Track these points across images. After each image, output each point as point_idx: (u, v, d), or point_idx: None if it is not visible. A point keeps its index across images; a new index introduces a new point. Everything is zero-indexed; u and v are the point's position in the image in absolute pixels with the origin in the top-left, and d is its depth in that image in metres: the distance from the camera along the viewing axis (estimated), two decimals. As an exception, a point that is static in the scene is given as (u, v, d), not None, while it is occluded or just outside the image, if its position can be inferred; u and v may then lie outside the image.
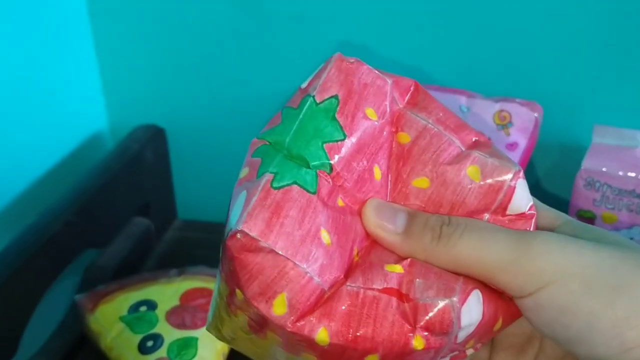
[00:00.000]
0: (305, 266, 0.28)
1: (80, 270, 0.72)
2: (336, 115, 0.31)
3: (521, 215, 0.32)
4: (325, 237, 0.29)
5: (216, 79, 0.82)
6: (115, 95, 0.86)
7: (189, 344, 0.59)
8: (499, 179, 0.32)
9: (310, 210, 0.29)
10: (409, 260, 0.31)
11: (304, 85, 0.33)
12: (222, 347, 0.61)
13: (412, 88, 0.34)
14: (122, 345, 0.60)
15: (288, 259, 0.28)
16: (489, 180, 0.32)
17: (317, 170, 0.30)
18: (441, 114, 0.33)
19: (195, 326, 0.61)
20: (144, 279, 0.66)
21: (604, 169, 0.68)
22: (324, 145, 0.31)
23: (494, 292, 0.31)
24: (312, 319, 0.28)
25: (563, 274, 0.29)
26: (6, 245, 0.61)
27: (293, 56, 0.79)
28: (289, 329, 0.28)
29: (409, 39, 0.75)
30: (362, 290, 0.29)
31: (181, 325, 0.61)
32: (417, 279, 0.29)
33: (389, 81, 0.33)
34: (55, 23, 0.76)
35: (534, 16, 0.71)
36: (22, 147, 0.72)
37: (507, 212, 0.32)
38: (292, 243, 0.28)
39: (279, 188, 0.29)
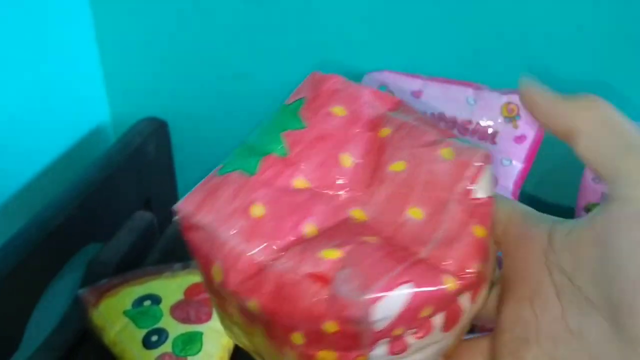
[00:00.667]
0: (229, 235, 0.30)
1: (83, 265, 0.71)
2: (300, 111, 0.34)
3: (482, 202, 0.32)
4: (256, 211, 0.31)
5: (219, 72, 0.81)
6: (117, 88, 0.85)
7: (193, 339, 0.59)
8: (470, 158, 0.32)
9: (245, 189, 0.31)
10: (352, 246, 0.30)
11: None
12: (227, 342, 0.61)
13: (398, 102, 0.35)
14: (126, 340, 0.59)
15: (215, 230, 0.30)
16: (461, 158, 0.32)
17: (266, 155, 0.32)
18: (422, 117, 0.34)
19: (199, 321, 0.60)
20: (147, 273, 0.65)
21: (613, 162, 0.67)
22: (281, 133, 0.33)
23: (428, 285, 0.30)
24: (246, 286, 0.30)
25: None
26: (8, 239, 0.60)
27: (297, 49, 0.78)
28: (229, 290, 0.30)
29: (416, 30, 0.74)
30: (287, 273, 0.30)
31: (186, 320, 0.60)
32: (345, 269, 0.29)
33: (367, 91, 0.34)
34: (57, 16, 0.75)
35: (541, 7, 0.71)
36: (25, 140, 0.72)
37: (471, 196, 0.32)
38: (220, 217, 0.30)
39: (222, 174, 0.32)
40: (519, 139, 0.68)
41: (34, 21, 0.71)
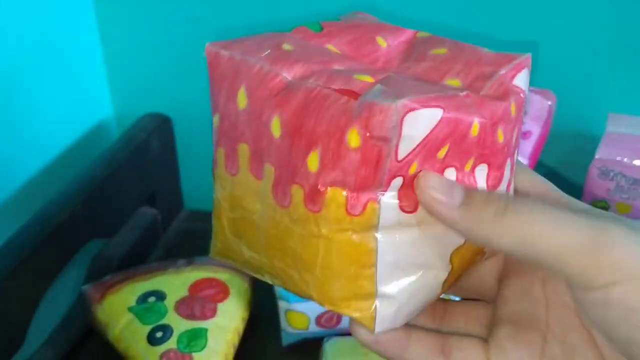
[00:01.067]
0: (258, 58, 0.30)
1: (87, 261, 0.71)
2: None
3: (519, 91, 0.32)
4: (287, 47, 0.31)
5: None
6: (120, 84, 0.85)
7: (198, 335, 0.59)
8: (513, 55, 0.33)
9: (276, 36, 0.32)
10: (385, 74, 0.30)
11: None
12: (232, 338, 0.60)
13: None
14: (131, 336, 0.59)
15: (244, 57, 0.31)
16: (503, 53, 0.33)
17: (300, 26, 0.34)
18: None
19: (204, 317, 0.60)
20: (152, 269, 0.65)
21: (618, 158, 0.67)
22: (320, 22, 0.35)
23: (462, 110, 0.29)
24: (272, 102, 0.30)
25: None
26: (12, 235, 0.60)
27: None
28: (254, 110, 0.30)
29: (418, 26, 0.74)
30: (319, 88, 0.29)
31: (190, 316, 0.60)
32: (379, 85, 0.29)
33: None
34: (60, 12, 0.75)
35: (548, 3, 0.70)
36: (28, 136, 0.72)
37: (511, 81, 0.32)
38: (249, 49, 0.31)
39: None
40: (525, 134, 0.68)
41: (37, 18, 0.71)
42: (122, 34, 0.82)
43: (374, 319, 0.30)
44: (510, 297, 0.32)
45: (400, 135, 0.27)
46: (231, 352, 0.60)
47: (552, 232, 0.27)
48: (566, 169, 0.77)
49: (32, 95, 0.72)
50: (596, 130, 0.71)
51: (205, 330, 0.59)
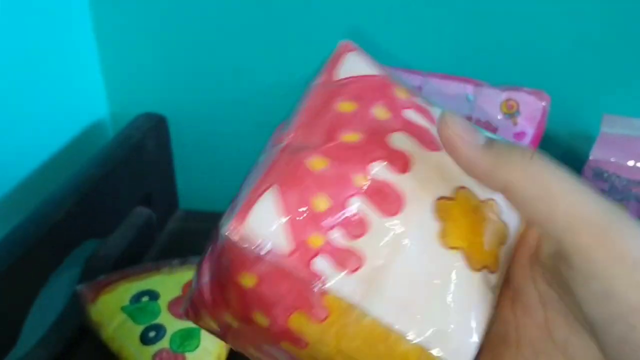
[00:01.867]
0: None
1: (81, 261, 0.71)
2: None
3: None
4: None
5: (218, 67, 0.81)
6: (115, 84, 0.85)
7: (191, 335, 0.59)
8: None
9: None
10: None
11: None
12: (225, 338, 0.60)
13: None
14: (124, 336, 0.59)
15: None
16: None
17: None
18: None
19: (198, 317, 0.60)
20: (146, 269, 0.65)
21: (612, 159, 0.67)
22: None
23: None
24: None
25: None
26: (6, 234, 0.60)
27: (297, 45, 0.78)
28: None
29: (415, 28, 0.74)
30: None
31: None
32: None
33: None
34: (55, 11, 0.75)
35: (542, 3, 0.70)
36: (22, 135, 0.72)
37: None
38: None
39: None
40: (519, 135, 0.68)
41: (32, 16, 0.71)
42: (117, 33, 0.82)
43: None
44: None
45: (254, 237, 0.28)
46: (224, 352, 0.60)
47: (573, 194, 0.26)
48: (560, 169, 0.77)
49: (27, 95, 0.72)
50: (590, 131, 0.71)
51: (198, 330, 0.59)
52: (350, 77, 0.32)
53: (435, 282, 0.29)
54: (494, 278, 0.30)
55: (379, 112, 0.31)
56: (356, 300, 0.28)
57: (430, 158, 0.31)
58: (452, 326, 0.29)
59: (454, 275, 0.29)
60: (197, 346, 0.58)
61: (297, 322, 0.28)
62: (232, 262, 0.28)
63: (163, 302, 0.61)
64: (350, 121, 0.31)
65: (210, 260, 0.30)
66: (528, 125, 0.68)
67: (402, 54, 0.75)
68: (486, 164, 0.27)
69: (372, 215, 0.29)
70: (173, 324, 0.59)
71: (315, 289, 0.28)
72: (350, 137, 0.30)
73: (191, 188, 0.87)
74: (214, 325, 0.32)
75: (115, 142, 0.75)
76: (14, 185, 0.71)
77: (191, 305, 0.33)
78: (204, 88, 0.83)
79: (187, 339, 0.58)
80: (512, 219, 0.32)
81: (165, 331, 0.59)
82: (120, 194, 0.74)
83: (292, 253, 0.28)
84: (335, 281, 0.28)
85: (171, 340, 0.58)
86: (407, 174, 0.30)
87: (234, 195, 0.31)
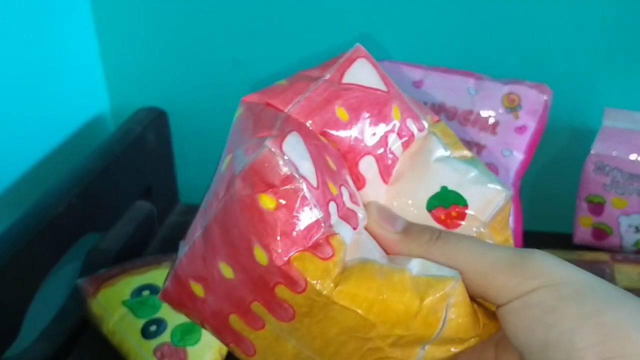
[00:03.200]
0: None
1: (82, 254, 0.71)
2: None
3: None
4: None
5: (218, 61, 0.81)
6: (116, 78, 0.85)
7: (192, 329, 0.59)
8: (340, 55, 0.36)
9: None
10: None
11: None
12: (226, 332, 0.60)
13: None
14: (125, 329, 0.59)
15: None
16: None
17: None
18: None
19: (199, 311, 0.60)
20: (146, 263, 0.65)
21: (614, 153, 0.67)
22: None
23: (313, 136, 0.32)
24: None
25: (557, 280, 0.29)
26: (7, 228, 0.60)
27: (296, 37, 0.77)
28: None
29: (416, 22, 0.74)
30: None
31: (185, 310, 0.60)
32: (236, 151, 0.31)
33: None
34: (55, 4, 0.74)
35: (544, -3, 0.70)
36: (24, 129, 0.71)
37: None
38: None
39: None
40: (520, 129, 0.68)
41: (33, 10, 0.71)
42: (118, 28, 0.81)
43: None
44: (463, 357, 0.34)
45: (295, 167, 0.29)
46: (225, 347, 0.60)
47: (478, 255, 0.31)
48: (562, 163, 0.77)
49: (28, 89, 0.72)
50: (592, 125, 0.71)
51: (200, 324, 0.59)
52: (354, 85, 0.34)
53: None
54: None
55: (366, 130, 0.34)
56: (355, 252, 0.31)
57: (380, 189, 0.35)
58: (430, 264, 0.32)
59: None
60: (198, 340, 0.58)
61: (301, 261, 0.29)
62: (259, 179, 0.29)
63: (164, 296, 0.61)
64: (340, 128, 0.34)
65: (205, 211, 0.32)
66: (530, 119, 0.68)
67: (404, 48, 0.75)
68: (402, 247, 0.33)
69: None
70: (174, 318, 0.59)
71: (326, 229, 0.30)
72: (334, 144, 0.34)
73: (191, 182, 0.87)
74: (199, 292, 0.33)
75: (116, 136, 0.74)
76: (15, 179, 0.71)
77: (173, 279, 0.34)
78: (204, 82, 0.83)
79: (187, 333, 0.58)
80: None
81: (166, 325, 0.59)
82: (120, 188, 0.74)
83: (318, 187, 0.30)
84: (342, 228, 0.30)
85: (172, 335, 0.58)
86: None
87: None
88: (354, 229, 0.32)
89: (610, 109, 0.69)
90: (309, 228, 0.29)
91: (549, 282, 0.29)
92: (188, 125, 0.84)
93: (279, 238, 0.28)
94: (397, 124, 0.35)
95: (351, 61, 0.35)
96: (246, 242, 0.29)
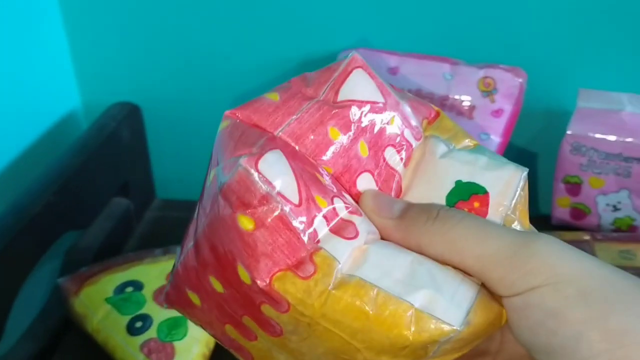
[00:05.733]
0: None
1: (61, 254, 0.70)
2: None
3: None
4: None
5: (191, 54, 0.80)
6: (87, 73, 0.83)
7: (179, 324, 0.58)
8: (335, 66, 0.34)
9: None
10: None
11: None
12: (212, 326, 0.60)
13: None
14: (110, 327, 0.59)
15: None
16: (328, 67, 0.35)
17: None
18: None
19: (184, 305, 0.60)
20: (128, 260, 0.64)
21: (590, 134, 0.67)
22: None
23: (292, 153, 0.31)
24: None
25: (560, 277, 0.28)
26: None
27: (271, 29, 0.77)
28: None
29: (391, 6, 0.74)
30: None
31: (170, 305, 0.60)
32: (218, 167, 0.30)
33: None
34: (22, 1, 0.73)
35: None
36: (-5, 128, 0.70)
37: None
38: None
39: None
40: (496, 112, 0.68)
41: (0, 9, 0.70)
42: (87, 21, 0.80)
43: (434, 318, 0.29)
44: None
45: (270, 184, 0.28)
46: (212, 340, 0.60)
47: (478, 240, 0.29)
48: (538, 145, 0.78)
49: (-2, 87, 0.70)
50: (567, 106, 0.72)
51: (185, 318, 0.59)
52: (349, 101, 0.33)
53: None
54: None
55: (362, 147, 0.33)
56: (346, 267, 0.29)
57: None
58: (442, 287, 0.29)
59: None
60: (184, 335, 0.58)
61: (282, 282, 0.28)
62: (237, 199, 0.28)
63: (148, 292, 0.61)
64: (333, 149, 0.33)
65: (197, 221, 0.31)
66: (505, 102, 0.68)
67: (379, 35, 0.75)
68: (400, 233, 0.31)
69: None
70: (159, 314, 0.59)
71: (310, 246, 0.29)
72: (327, 168, 0.32)
73: (168, 177, 0.86)
74: (195, 300, 0.33)
75: (90, 133, 0.73)
76: (-11, 179, 0.69)
77: (173, 285, 0.34)
78: (177, 75, 0.82)
79: (174, 328, 0.58)
80: None
81: (151, 321, 0.58)
82: (97, 185, 0.73)
83: (300, 203, 0.29)
84: (331, 242, 0.29)
85: (158, 330, 0.58)
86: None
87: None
88: (353, 239, 0.30)
89: (585, 89, 0.70)
90: (290, 246, 0.29)
91: (550, 279, 0.27)
92: (162, 120, 0.84)
93: (259, 259, 0.28)
94: (395, 137, 0.33)
95: (347, 74, 0.33)
96: (231, 261, 0.29)
